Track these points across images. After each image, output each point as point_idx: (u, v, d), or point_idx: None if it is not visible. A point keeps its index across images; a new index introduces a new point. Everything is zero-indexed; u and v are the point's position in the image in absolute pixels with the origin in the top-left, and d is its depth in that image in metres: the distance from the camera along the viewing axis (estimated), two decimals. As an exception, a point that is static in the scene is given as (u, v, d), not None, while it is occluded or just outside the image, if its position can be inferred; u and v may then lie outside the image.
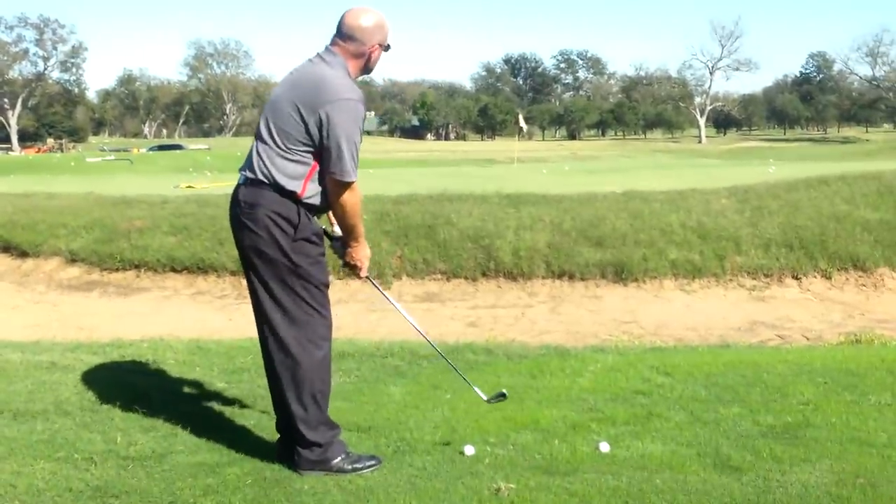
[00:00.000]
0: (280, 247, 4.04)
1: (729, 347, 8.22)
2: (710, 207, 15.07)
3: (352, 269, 4.41)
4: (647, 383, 5.97)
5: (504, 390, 4.76)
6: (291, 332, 4.13)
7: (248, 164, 4.14)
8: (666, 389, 5.79)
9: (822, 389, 5.71)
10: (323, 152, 4.00)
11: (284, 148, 4.03)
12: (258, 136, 4.14)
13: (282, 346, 4.14)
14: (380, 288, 4.63)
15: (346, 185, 4.03)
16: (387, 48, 4.25)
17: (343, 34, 4.14)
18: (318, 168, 4.06)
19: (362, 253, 4.34)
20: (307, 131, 3.99)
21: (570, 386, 5.95)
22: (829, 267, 13.16)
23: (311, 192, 4.07)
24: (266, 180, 4.04)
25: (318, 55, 4.18)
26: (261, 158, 4.07)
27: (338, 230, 4.37)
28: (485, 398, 4.69)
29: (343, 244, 4.35)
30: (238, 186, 4.18)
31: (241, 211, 4.11)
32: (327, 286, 4.24)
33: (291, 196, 4.03)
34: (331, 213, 4.31)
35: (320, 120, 3.96)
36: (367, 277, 4.47)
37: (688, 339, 10.24)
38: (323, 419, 4.23)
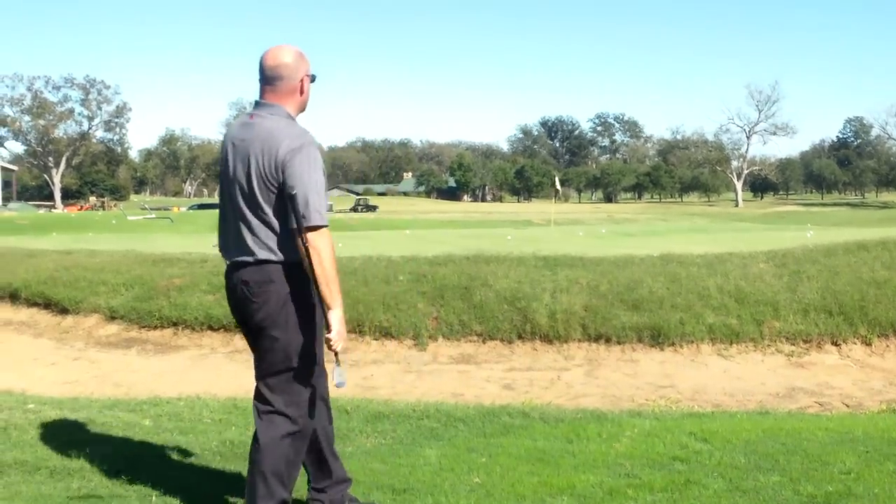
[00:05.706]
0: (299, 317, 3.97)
1: (768, 414, 8.10)
2: (747, 272, 14.95)
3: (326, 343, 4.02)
4: (684, 449, 5.90)
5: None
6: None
7: (240, 246, 3.99)
8: (704, 456, 5.72)
9: (864, 458, 5.60)
10: (289, 203, 3.85)
11: (266, 220, 3.92)
12: (240, 218, 3.96)
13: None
14: (337, 360, 3.98)
15: (315, 229, 3.86)
16: (313, 78, 4.14)
17: (269, 78, 4.02)
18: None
19: (342, 323, 3.97)
20: (280, 195, 3.89)
21: (607, 451, 5.89)
22: (869, 333, 12.98)
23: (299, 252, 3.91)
24: (273, 257, 3.92)
25: (256, 114, 4.02)
26: (255, 237, 3.93)
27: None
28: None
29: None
30: (237, 268, 4.01)
31: (251, 290, 3.95)
32: None
33: (289, 262, 3.93)
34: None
35: (283, 176, 3.85)
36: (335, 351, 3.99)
37: (726, 405, 10.11)
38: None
